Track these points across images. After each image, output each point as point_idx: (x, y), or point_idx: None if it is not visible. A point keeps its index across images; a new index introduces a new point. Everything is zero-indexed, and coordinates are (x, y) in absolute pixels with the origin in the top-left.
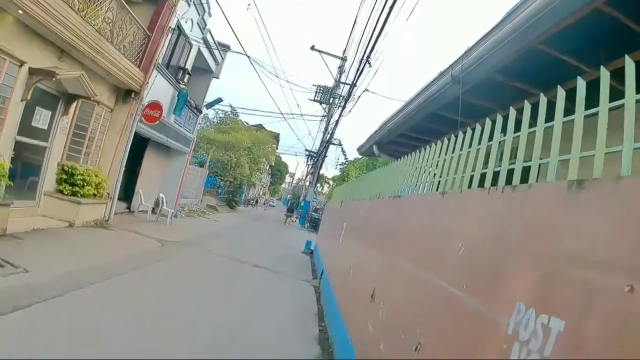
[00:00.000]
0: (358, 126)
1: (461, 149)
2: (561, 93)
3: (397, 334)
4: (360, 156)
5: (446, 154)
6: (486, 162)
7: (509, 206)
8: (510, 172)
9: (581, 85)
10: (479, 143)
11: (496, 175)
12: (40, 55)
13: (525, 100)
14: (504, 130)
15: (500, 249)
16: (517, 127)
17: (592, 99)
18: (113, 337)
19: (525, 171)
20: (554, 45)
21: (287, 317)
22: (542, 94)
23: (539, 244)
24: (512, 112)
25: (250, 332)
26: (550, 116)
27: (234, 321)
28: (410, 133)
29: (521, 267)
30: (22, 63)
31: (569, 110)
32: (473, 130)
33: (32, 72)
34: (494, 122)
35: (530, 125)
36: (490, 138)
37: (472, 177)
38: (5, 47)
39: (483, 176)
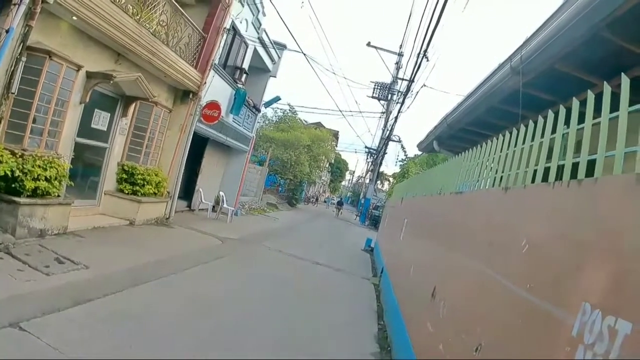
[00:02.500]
0: (417, 122)
1: (523, 143)
2: (625, 81)
3: (457, 334)
4: (420, 152)
5: (508, 148)
6: (549, 155)
7: (575, 201)
8: (575, 166)
9: (625, 82)
10: (542, 136)
11: (560, 169)
12: (97, 59)
13: (589, 90)
14: (566, 122)
15: (565, 247)
16: (581, 119)
17: None
18: (174, 332)
19: (591, 164)
20: (616, 31)
21: (347, 315)
22: (605, 83)
23: (606, 241)
24: (575, 103)
25: (310, 329)
26: (615, 106)
27: (295, 318)
28: (470, 127)
29: (587, 266)
30: (79, 67)
31: (634, 101)
32: (535, 123)
33: (89, 75)
34: (556, 115)
35: (595, 117)
36: (553, 131)
37: (535, 171)
38: (61, 53)
39: (547, 170)
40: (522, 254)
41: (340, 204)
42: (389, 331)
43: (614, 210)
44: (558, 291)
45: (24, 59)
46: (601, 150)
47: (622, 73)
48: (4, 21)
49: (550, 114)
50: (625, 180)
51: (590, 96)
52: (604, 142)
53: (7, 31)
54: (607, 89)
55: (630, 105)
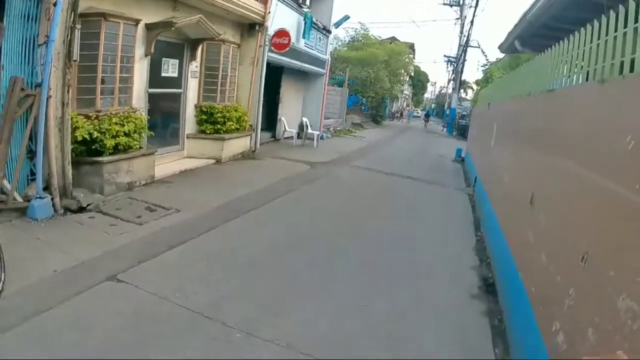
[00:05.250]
0: (495, 25)
1: (615, 31)
2: None
3: (560, 244)
4: (502, 55)
5: (599, 38)
6: None
7: None
8: None
9: None
10: (636, 21)
11: None
12: (154, 10)
13: None
14: None
15: None
16: None
17: None
18: (274, 259)
19: None
20: None
21: (444, 227)
22: None
23: None
24: None
25: (408, 244)
26: None
27: (393, 232)
28: (552, 23)
29: None
30: (137, 22)
31: None
32: (626, 8)
33: (149, 27)
34: None
35: None
36: None
37: (632, 60)
38: (115, 12)
39: None
40: (628, 151)
41: (427, 115)
42: (487, 243)
43: None
44: None
45: (78, 26)
46: None
47: None
48: None
49: None
50: None
51: None
52: None
53: (54, 4)
54: None
55: None
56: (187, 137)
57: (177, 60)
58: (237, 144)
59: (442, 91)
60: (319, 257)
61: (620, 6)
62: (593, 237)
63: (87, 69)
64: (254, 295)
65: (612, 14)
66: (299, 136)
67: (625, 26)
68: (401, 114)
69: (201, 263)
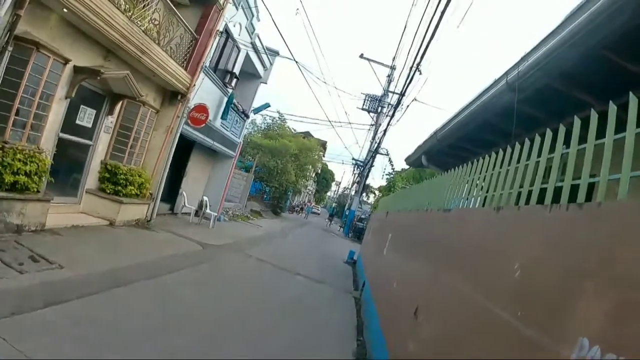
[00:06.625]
0: (406, 137)
1: (518, 162)
2: (634, 101)
3: (440, 357)
4: (407, 167)
5: (501, 166)
6: (546, 176)
7: (575, 227)
8: (574, 189)
9: (633, 102)
10: (539, 155)
11: (557, 191)
12: (86, 54)
13: (592, 110)
14: (565, 142)
15: (562, 274)
16: (582, 140)
17: None
18: (145, 339)
19: (592, 188)
20: (618, 51)
21: (325, 329)
22: (610, 102)
23: (609, 272)
24: (577, 122)
25: (286, 344)
26: (621, 128)
27: (272, 331)
28: (461, 143)
29: (586, 297)
30: (66, 61)
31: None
32: (531, 141)
33: (76, 70)
34: (555, 133)
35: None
36: (552, 150)
37: (530, 192)
38: (49, 45)
39: (542, 192)
40: (514, 279)
41: (331, 215)
42: (368, 347)
43: (619, 238)
44: (552, 322)
45: (10, 48)
46: (604, 172)
47: (630, 92)
48: None
49: (549, 133)
50: (633, 207)
51: (594, 115)
52: (608, 164)
53: None
54: (612, 109)
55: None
56: (86, 192)
57: (94, 111)
58: (134, 210)
59: (345, 192)
60: (189, 348)
61: (526, 139)
62: (474, 357)
63: (5, 95)
64: None
65: (517, 145)
66: (196, 214)
67: (529, 158)
68: (301, 209)
69: (77, 327)
